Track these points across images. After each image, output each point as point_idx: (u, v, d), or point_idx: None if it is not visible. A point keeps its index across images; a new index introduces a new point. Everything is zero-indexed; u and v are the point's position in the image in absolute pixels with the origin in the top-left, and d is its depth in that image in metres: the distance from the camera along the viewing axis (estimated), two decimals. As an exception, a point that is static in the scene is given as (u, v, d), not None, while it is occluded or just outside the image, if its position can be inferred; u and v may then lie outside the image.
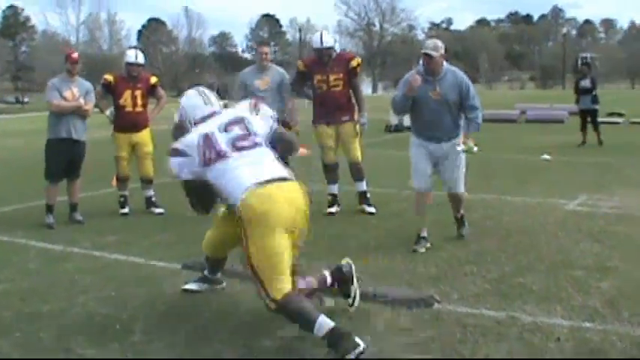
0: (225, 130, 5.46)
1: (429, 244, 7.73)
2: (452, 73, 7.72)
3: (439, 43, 7.62)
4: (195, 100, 5.80)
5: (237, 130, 5.47)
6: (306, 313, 4.94)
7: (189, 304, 6.14)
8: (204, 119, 5.64)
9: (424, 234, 7.83)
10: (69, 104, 9.63)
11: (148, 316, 5.83)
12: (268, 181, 5.14)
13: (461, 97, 7.68)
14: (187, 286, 6.44)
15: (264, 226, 4.98)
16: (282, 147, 5.73)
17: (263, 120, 5.67)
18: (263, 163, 5.33)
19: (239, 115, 5.62)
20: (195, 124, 5.65)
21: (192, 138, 5.48)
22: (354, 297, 5.70)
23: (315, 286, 5.58)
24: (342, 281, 5.69)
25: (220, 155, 5.33)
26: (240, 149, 5.36)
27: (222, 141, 5.38)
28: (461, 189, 8.01)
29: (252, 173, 5.19)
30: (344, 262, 5.76)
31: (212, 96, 5.85)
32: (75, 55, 9.96)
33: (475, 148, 7.69)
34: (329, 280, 5.67)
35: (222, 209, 5.93)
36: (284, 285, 4.97)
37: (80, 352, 5.12)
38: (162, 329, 5.51)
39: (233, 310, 5.95)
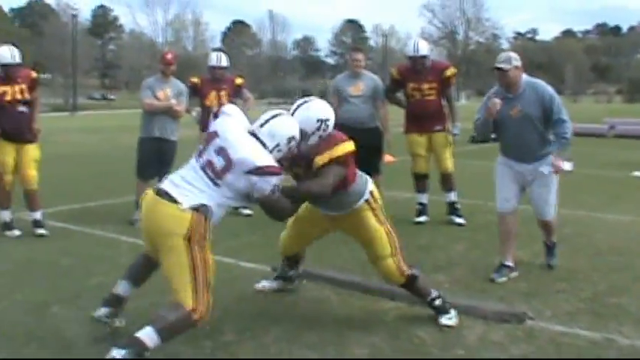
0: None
1: (514, 274, 7.10)
2: (531, 87, 7.01)
3: (513, 55, 7.03)
4: None
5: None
6: None
7: (279, 306, 6.17)
8: None
9: (507, 262, 7.16)
10: (160, 104, 9.78)
11: (239, 316, 5.86)
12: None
13: (544, 111, 6.93)
14: (260, 285, 6.59)
15: None
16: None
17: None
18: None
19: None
20: None
21: None
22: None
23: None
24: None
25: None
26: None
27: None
28: (548, 216, 7.27)
29: None
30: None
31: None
32: (169, 56, 10.10)
33: (568, 165, 7.19)
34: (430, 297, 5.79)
35: None
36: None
37: (172, 350, 5.17)
38: (253, 330, 5.55)
39: (323, 315, 5.96)
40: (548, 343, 5.38)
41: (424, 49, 9.62)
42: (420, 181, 9.91)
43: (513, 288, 6.73)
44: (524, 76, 7.07)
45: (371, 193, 5.74)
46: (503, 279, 6.99)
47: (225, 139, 5.06)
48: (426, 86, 9.54)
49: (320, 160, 5.39)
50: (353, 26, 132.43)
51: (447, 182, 9.84)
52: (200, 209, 4.91)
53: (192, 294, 4.83)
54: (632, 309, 6.16)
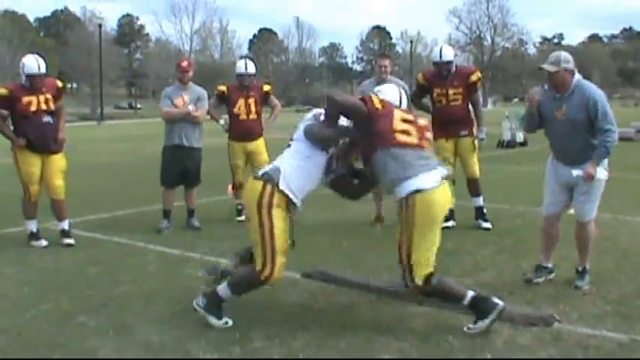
0: None
1: (552, 276, 7.11)
2: (580, 90, 6.77)
3: (562, 56, 6.81)
4: None
5: None
6: None
7: (308, 312, 6.22)
8: None
9: (546, 264, 7.17)
10: (177, 111, 9.87)
11: (267, 323, 5.89)
12: None
13: (589, 116, 6.69)
14: None
15: None
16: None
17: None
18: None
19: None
20: None
21: None
22: (477, 327, 5.66)
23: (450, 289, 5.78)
24: (479, 311, 5.68)
25: None
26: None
27: None
28: (587, 217, 6.94)
29: None
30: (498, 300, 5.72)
31: None
32: (184, 63, 10.18)
33: (604, 174, 6.88)
34: (467, 300, 5.70)
35: None
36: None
37: (202, 356, 5.22)
38: (281, 336, 5.57)
39: (351, 320, 5.97)
40: (575, 345, 5.38)
41: (449, 55, 9.64)
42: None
43: (540, 291, 6.72)
44: (577, 78, 6.86)
45: (411, 196, 5.54)
46: (541, 279, 7.01)
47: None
48: (451, 92, 9.57)
49: None
50: (380, 32, 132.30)
51: (473, 187, 9.85)
52: (268, 179, 5.74)
53: (260, 258, 5.73)
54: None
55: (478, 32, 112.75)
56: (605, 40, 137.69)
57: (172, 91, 10.09)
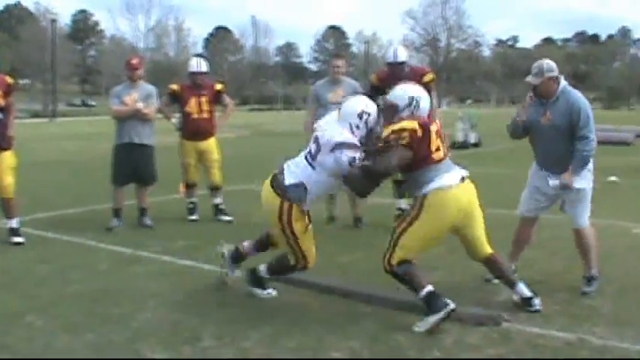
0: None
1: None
2: (566, 96, 6.79)
3: (545, 66, 6.83)
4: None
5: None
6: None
7: (259, 311, 6.20)
8: None
9: (510, 263, 7.05)
10: (126, 109, 9.81)
11: (218, 322, 5.89)
12: None
13: (572, 123, 6.70)
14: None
15: None
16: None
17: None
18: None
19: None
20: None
21: None
22: (422, 324, 5.75)
23: None
24: (430, 307, 5.80)
25: None
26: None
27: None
28: (580, 223, 6.97)
29: None
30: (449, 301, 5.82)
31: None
32: (134, 61, 10.12)
33: (580, 183, 6.80)
34: (423, 293, 5.87)
35: None
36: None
37: (151, 356, 5.20)
38: (232, 335, 5.57)
39: (302, 319, 5.98)
40: (523, 344, 5.45)
41: (402, 55, 9.68)
42: (399, 187, 9.93)
43: (490, 291, 6.78)
44: (563, 84, 6.88)
45: (425, 196, 5.93)
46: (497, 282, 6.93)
47: (320, 129, 6.23)
48: (405, 92, 9.53)
49: (384, 131, 5.99)
50: (335, 33, 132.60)
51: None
52: (287, 191, 6.10)
53: (292, 256, 6.38)
54: (605, 310, 6.26)
55: (433, 34, 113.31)
56: (559, 43, 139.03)
57: (121, 90, 10.03)
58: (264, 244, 6.79)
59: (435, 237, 6.08)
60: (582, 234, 7.01)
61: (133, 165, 9.91)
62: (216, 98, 10.63)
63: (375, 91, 9.95)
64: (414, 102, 6.00)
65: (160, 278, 7.23)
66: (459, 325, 5.79)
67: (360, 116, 6.08)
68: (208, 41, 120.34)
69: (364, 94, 9.88)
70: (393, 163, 5.83)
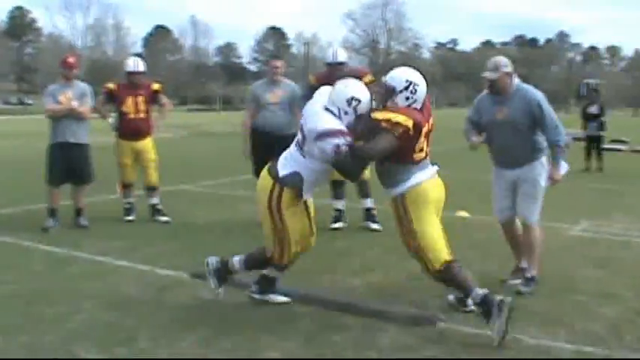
0: None
1: (515, 281, 7.11)
2: (522, 92, 6.89)
3: (501, 62, 6.88)
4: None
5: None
6: None
7: (195, 313, 6.19)
8: None
9: (522, 264, 7.20)
10: (61, 107, 9.71)
11: (153, 323, 5.86)
12: None
13: (532, 118, 6.81)
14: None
15: None
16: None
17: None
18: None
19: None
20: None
21: None
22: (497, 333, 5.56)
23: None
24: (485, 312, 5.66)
25: None
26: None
27: None
28: (531, 219, 7.07)
29: None
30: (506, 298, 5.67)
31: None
32: (70, 59, 10.01)
33: (564, 170, 7.00)
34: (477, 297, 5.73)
35: None
36: None
37: (85, 356, 5.16)
38: (168, 337, 5.55)
39: (238, 321, 5.97)
40: (458, 344, 5.51)
41: (342, 56, 9.73)
42: (337, 187, 9.98)
43: (426, 292, 6.82)
44: (517, 81, 6.97)
45: (402, 195, 5.88)
46: (517, 281, 7.09)
47: (303, 118, 6.14)
48: (343, 93, 9.54)
49: (378, 115, 5.80)
50: (275, 33, 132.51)
51: (363, 188, 9.89)
52: (282, 179, 6.00)
53: (272, 247, 6.20)
54: (538, 310, 6.35)
55: (373, 35, 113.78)
56: (498, 46, 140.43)
57: (56, 88, 9.89)
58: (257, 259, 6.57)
59: (437, 220, 5.99)
60: (531, 231, 7.12)
61: (68, 165, 9.80)
62: (153, 98, 10.56)
63: (313, 92, 9.95)
64: (412, 86, 5.79)
65: (96, 279, 7.17)
66: (395, 325, 5.83)
67: (349, 102, 5.90)
68: (147, 40, 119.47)
69: (302, 95, 9.97)
70: (379, 148, 5.70)
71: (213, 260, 6.48)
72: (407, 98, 5.79)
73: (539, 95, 6.89)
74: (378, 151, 5.76)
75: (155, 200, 10.57)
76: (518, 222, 7.30)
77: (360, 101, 5.91)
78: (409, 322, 5.89)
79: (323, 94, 6.18)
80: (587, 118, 19.92)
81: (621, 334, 5.76)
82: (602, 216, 11.43)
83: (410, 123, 5.67)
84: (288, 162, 6.09)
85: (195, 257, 7.37)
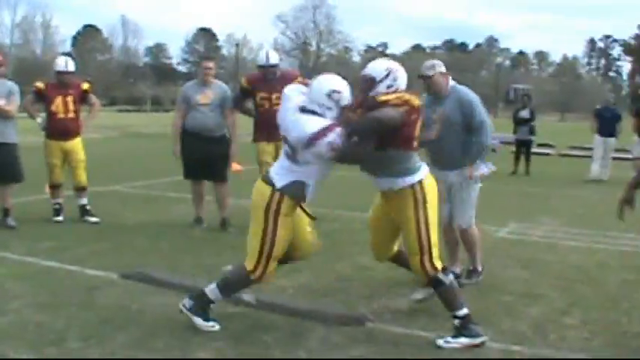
0: None
1: (469, 281, 7.31)
2: (457, 93, 7.13)
3: (436, 62, 7.20)
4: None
5: None
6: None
7: (125, 313, 6.16)
8: None
9: (456, 270, 7.25)
10: None
11: (84, 324, 5.83)
12: None
13: (465, 117, 7.03)
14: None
15: None
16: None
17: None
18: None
19: None
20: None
21: None
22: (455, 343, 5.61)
23: None
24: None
25: None
26: None
27: None
28: (464, 223, 7.34)
29: None
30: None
31: None
32: None
33: (486, 169, 7.33)
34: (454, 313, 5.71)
35: None
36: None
37: (14, 356, 5.13)
38: (99, 337, 5.53)
39: (169, 321, 5.97)
40: (387, 343, 5.58)
41: (274, 58, 9.79)
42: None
43: (354, 292, 6.91)
44: (453, 83, 7.20)
45: (420, 182, 5.71)
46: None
47: (283, 129, 5.80)
48: (275, 96, 9.53)
49: (383, 97, 5.58)
50: (206, 34, 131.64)
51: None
52: (282, 188, 5.68)
53: (253, 259, 5.76)
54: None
55: (304, 38, 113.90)
56: (428, 50, 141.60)
57: None
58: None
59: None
60: (468, 232, 7.34)
61: (-5, 164, 9.66)
62: (82, 98, 10.48)
63: (244, 94, 10.02)
64: (391, 75, 5.68)
65: (24, 279, 7.09)
66: (324, 325, 5.90)
67: (329, 96, 5.61)
68: (76, 39, 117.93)
69: (233, 97, 10.00)
70: (388, 115, 5.45)
71: (185, 302, 5.91)
72: (388, 86, 5.66)
73: (472, 96, 7.13)
74: (383, 120, 5.48)
75: (84, 201, 10.48)
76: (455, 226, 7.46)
77: (339, 92, 5.65)
78: (338, 321, 5.95)
79: (290, 97, 5.84)
80: (518, 122, 20.22)
81: (546, 333, 5.91)
82: (528, 218, 11.64)
83: (416, 102, 5.62)
84: (284, 172, 5.75)
85: (125, 258, 7.36)
